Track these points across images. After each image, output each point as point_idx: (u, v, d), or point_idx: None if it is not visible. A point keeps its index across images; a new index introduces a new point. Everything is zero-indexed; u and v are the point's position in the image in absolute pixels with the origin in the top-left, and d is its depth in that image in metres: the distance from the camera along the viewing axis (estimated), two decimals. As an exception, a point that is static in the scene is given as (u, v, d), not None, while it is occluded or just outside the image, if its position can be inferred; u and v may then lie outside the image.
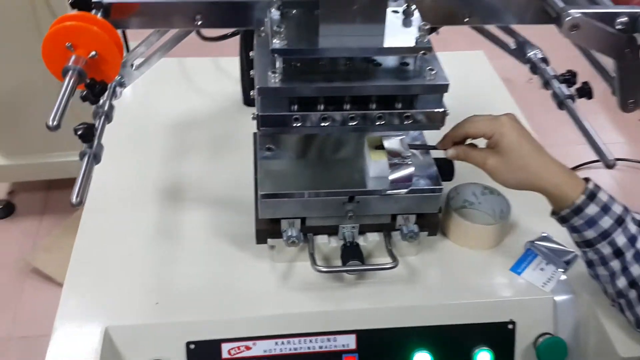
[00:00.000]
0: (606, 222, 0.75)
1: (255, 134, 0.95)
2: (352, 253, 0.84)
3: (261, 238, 0.85)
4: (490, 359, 0.86)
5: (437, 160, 0.88)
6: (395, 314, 0.85)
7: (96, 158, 0.74)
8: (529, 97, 1.36)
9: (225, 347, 0.82)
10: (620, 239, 0.75)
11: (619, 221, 0.75)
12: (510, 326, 0.86)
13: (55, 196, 2.06)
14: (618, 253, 0.76)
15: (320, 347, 0.84)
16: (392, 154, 0.79)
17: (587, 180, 0.78)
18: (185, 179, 1.03)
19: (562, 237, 0.91)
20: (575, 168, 2.04)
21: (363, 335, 0.85)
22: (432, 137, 0.89)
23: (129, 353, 0.80)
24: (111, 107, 0.82)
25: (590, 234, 0.77)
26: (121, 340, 0.80)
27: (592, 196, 0.76)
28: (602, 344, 0.84)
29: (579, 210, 0.76)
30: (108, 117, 0.81)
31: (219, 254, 0.90)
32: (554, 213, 0.82)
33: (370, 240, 0.87)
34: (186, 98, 1.22)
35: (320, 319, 0.84)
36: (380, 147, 0.81)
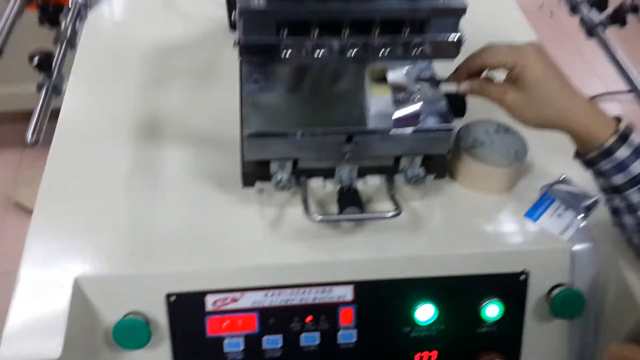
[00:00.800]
0: (638, 167, 0.68)
1: (242, 62, 0.84)
2: (350, 199, 0.75)
3: (248, 181, 0.77)
4: (499, 311, 0.80)
5: (447, 95, 0.78)
6: (397, 264, 0.78)
7: (56, 90, 0.65)
8: (539, 26, 1.24)
9: (210, 298, 0.75)
10: None
11: None
12: (522, 277, 0.79)
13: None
14: None
15: (315, 299, 0.77)
16: (396, 88, 0.69)
17: (618, 119, 0.69)
18: (164, 112, 0.93)
19: (583, 180, 0.82)
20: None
21: (361, 287, 0.78)
22: (442, 69, 0.79)
23: (102, 306, 0.73)
24: (74, 32, 0.72)
25: (619, 179, 0.69)
26: (93, 292, 0.72)
27: (623, 138, 0.68)
28: (623, 297, 0.77)
29: (608, 153, 0.68)
30: (71, 43, 0.71)
31: (201, 197, 0.82)
32: (578, 155, 0.73)
33: (370, 185, 0.79)
34: (166, 22, 1.11)
35: (315, 270, 0.77)
36: (384, 80, 0.71)
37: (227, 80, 0.95)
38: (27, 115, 2.16)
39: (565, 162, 0.83)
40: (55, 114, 1.85)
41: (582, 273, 0.79)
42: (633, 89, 0.69)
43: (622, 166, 0.68)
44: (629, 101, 2.06)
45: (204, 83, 0.98)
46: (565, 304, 0.79)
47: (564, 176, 0.84)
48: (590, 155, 0.70)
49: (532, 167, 0.87)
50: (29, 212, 1.71)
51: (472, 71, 0.74)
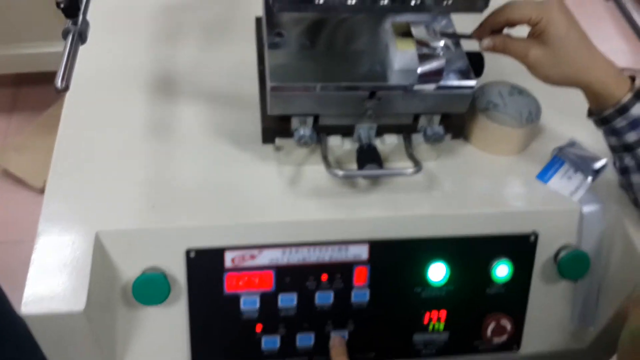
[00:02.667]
0: None
1: (259, 19, 0.83)
2: (369, 156, 0.76)
3: (268, 137, 0.76)
4: (509, 271, 0.81)
5: (465, 53, 0.78)
6: (411, 223, 0.78)
7: (82, 37, 0.63)
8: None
9: (228, 255, 0.75)
10: None
11: None
12: (532, 238, 0.80)
13: (26, 92, 1.91)
14: None
15: (330, 258, 0.78)
16: (420, 43, 0.69)
17: (633, 78, 0.70)
18: (179, 68, 0.92)
19: (591, 143, 0.84)
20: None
21: (376, 246, 0.78)
22: (461, 27, 0.79)
23: (122, 260, 0.72)
24: (95, -21, 0.69)
25: (631, 136, 0.71)
26: (114, 246, 0.71)
27: (639, 95, 0.69)
28: (628, 257, 0.79)
29: (624, 109, 0.70)
30: (92, -9, 0.69)
31: (219, 153, 0.81)
32: (591, 114, 0.74)
33: (388, 143, 0.79)
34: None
35: (331, 228, 0.77)
36: (408, 34, 0.71)
37: (240, 37, 0.93)
38: (14, 79, 2.10)
39: (577, 124, 0.85)
40: (31, 77, 1.81)
41: (589, 234, 0.81)
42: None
43: (635, 123, 0.70)
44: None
45: (217, 39, 0.97)
46: (572, 265, 0.81)
47: (573, 139, 0.86)
48: (606, 113, 0.71)
49: (544, 129, 0.88)
50: (17, 180, 1.68)
51: (495, 27, 0.73)
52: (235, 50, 0.92)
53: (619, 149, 0.74)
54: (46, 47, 1.59)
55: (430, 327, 0.83)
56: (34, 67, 1.71)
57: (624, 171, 0.75)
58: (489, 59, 0.79)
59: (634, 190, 0.75)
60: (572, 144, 0.85)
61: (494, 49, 0.74)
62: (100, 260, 0.70)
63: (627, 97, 0.69)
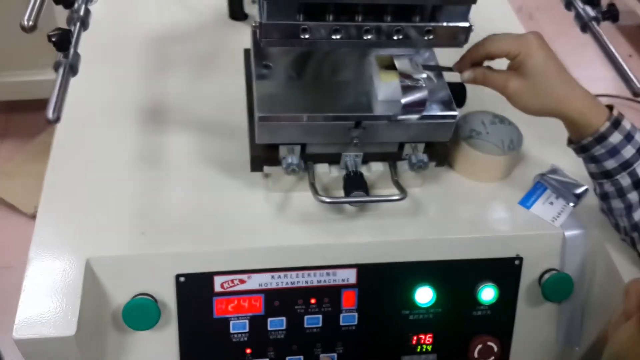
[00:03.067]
0: (628, 151, 0.71)
1: (247, 50, 0.86)
2: (356, 183, 0.77)
3: (256, 165, 0.78)
4: (494, 295, 0.83)
5: (448, 84, 0.80)
6: (397, 247, 0.80)
7: (72, 69, 0.65)
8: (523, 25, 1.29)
9: (218, 280, 0.76)
10: None
11: None
12: (517, 262, 0.82)
13: (17, 119, 1.92)
14: (637, 184, 0.72)
15: (319, 282, 0.79)
16: (404, 75, 0.71)
17: (610, 107, 0.73)
18: (168, 98, 0.94)
19: (572, 169, 0.86)
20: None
21: (364, 270, 0.80)
22: (443, 60, 0.82)
23: (113, 287, 0.73)
24: (87, 11, 0.72)
25: (610, 164, 0.73)
26: (104, 272, 0.73)
27: (616, 124, 0.71)
28: (610, 280, 0.81)
29: (602, 138, 0.72)
30: (84, 24, 0.71)
31: (208, 181, 0.83)
32: (571, 142, 0.77)
33: (374, 171, 0.81)
34: (168, 9, 1.11)
35: (320, 252, 0.78)
36: (391, 67, 0.74)
37: (228, 67, 0.96)
38: (6, 106, 2.10)
39: (558, 151, 0.87)
40: (23, 105, 1.82)
41: (571, 258, 0.83)
42: (625, 81, 0.73)
43: (614, 151, 0.72)
44: (606, 102, 2.15)
45: (206, 70, 0.99)
46: (556, 287, 0.82)
47: (554, 166, 0.88)
48: (585, 141, 0.73)
49: (526, 157, 0.90)
50: (8, 206, 1.69)
51: (476, 60, 0.76)
52: (225, 81, 0.94)
53: (599, 176, 0.76)
54: (37, 75, 1.61)
55: (418, 348, 0.84)
56: (25, 94, 1.73)
57: (604, 197, 0.77)
58: (472, 89, 0.81)
59: (615, 215, 0.77)
60: (553, 170, 0.87)
61: (474, 81, 0.76)
62: (91, 286, 0.71)
63: (605, 126, 0.71)
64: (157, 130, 0.89)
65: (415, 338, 0.84)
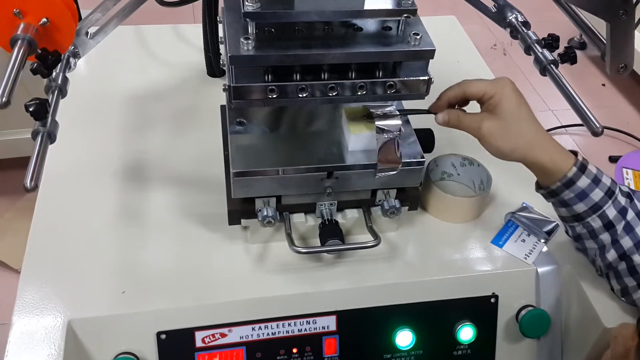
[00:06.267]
0: (597, 194, 0.73)
1: (223, 106, 0.89)
2: (331, 231, 0.79)
3: (234, 219, 0.80)
4: (473, 333, 0.84)
5: (416, 131, 0.83)
6: (376, 292, 0.82)
7: (50, 137, 0.67)
8: (494, 64, 1.33)
9: (199, 335, 0.77)
10: (611, 212, 0.73)
11: (609, 193, 0.73)
12: (492, 300, 0.84)
13: (6, 176, 1.93)
14: (608, 226, 0.74)
15: (300, 330, 0.80)
16: (378, 129, 0.73)
17: (575, 153, 0.76)
18: (147, 155, 0.96)
19: (542, 207, 0.89)
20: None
21: (343, 316, 0.81)
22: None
23: (95, 347, 0.74)
24: (65, 80, 0.74)
25: (580, 207, 0.74)
26: (86, 333, 0.74)
27: (582, 168, 0.74)
28: (586, 314, 0.82)
29: (570, 183, 0.74)
30: (62, 92, 0.73)
31: (188, 236, 0.84)
32: (540, 188, 0.79)
33: (349, 217, 0.83)
34: (145, 69, 1.14)
35: (299, 301, 0.80)
36: (359, 118, 0.77)
37: (206, 123, 0.99)
38: (-8, 165, 2.06)
39: (525, 190, 0.90)
40: (11, 162, 1.83)
41: (546, 293, 0.85)
42: (585, 121, 0.76)
43: (582, 195, 0.74)
44: (580, 134, 2.18)
45: (184, 126, 1.02)
46: (533, 323, 0.84)
47: (524, 204, 0.91)
48: (554, 187, 0.75)
49: (496, 196, 0.93)
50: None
51: (452, 100, 0.78)
52: (203, 136, 0.97)
53: (570, 219, 0.77)
54: (25, 134, 1.63)
55: (402, 392, 0.85)
56: (13, 152, 1.76)
57: (577, 238, 0.79)
58: (442, 132, 0.84)
59: (589, 255, 0.79)
60: (523, 208, 0.90)
61: (448, 123, 0.78)
62: (73, 347, 0.72)
63: (573, 171, 0.73)
64: (137, 187, 0.91)
65: (398, 381, 0.85)
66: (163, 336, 0.76)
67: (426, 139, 0.84)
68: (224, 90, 0.70)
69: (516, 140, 0.74)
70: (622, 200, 0.73)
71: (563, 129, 2.08)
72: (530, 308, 0.84)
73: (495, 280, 0.84)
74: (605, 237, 0.74)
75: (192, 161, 0.95)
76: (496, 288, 0.84)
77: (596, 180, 0.73)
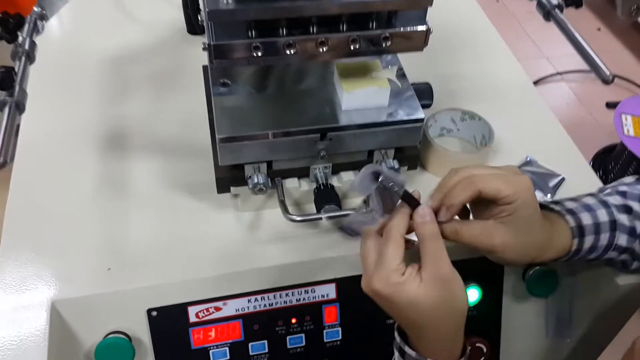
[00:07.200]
0: (604, 239, 0.68)
1: (205, 67, 0.83)
2: (327, 196, 0.75)
3: (223, 187, 0.75)
4: (479, 295, 0.81)
5: (414, 84, 0.78)
6: (376, 257, 0.78)
7: (19, 107, 0.61)
8: (487, 11, 1.27)
9: (192, 310, 0.74)
10: (622, 239, 0.68)
11: (612, 227, 0.68)
12: (498, 260, 0.80)
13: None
14: (626, 249, 0.70)
15: (298, 300, 0.77)
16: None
17: (564, 218, 0.68)
18: (127, 122, 0.90)
19: (547, 160, 0.85)
20: (536, 83, 2.00)
21: (343, 284, 0.77)
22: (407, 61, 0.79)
23: (83, 328, 0.70)
24: (33, 44, 0.68)
25: (594, 255, 0.70)
26: (71, 314, 0.70)
27: (581, 232, 0.67)
28: (597, 271, 0.79)
29: (577, 252, 0.68)
30: (30, 58, 0.67)
31: (175, 206, 0.80)
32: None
33: (345, 181, 0.78)
34: (121, 29, 1.07)
35: (296, 270, 0.76)
36: (353, 75, 0.71)
37: (189, 84, 0.93)
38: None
39: (529, 144, 0.85)
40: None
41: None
42: (594, 68, 0.71)
43: (592, 249, 0.68)
44: (576, 81, 2.16)
45: (166, 89, 0.96)
46: (540, 282, 0.81)
47: (529, 158, 0.86)
48: (563, 260, 0.69)
49: (499, 151, 0.88)
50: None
51: (464, 202, 0.62)
52: (187, 99, 0.92)
53: (593, 260, 0.71)
54: None
55: (407, 357, 0.82)
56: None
57: (608, 263, 0.75)
58: (439, 85, 0.79)
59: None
60: (528, 162, 0.86)
61: (450, 237, 0.64)
62: (59, 330, 0.68)
63: (575, 243, 0.67)
64: (117, 156, 0.85)
65: (402, 347, 0.82)
66: (154, 313, 0.72)
67: (423, 93, 0.78)
68: (204, 49, 0.64)
69: (530, 251, 0.64)
70: (626, 220, 0.68)
71: (559, 75, 2.03)
72: (537, 266, 0.81)
73: (500, 239, 0.80)
74: (625, 256, 0.71)
75: (176, 126, 0.90)
76: (502, 247, 0.80)
77: (597, 228, 0.67)
